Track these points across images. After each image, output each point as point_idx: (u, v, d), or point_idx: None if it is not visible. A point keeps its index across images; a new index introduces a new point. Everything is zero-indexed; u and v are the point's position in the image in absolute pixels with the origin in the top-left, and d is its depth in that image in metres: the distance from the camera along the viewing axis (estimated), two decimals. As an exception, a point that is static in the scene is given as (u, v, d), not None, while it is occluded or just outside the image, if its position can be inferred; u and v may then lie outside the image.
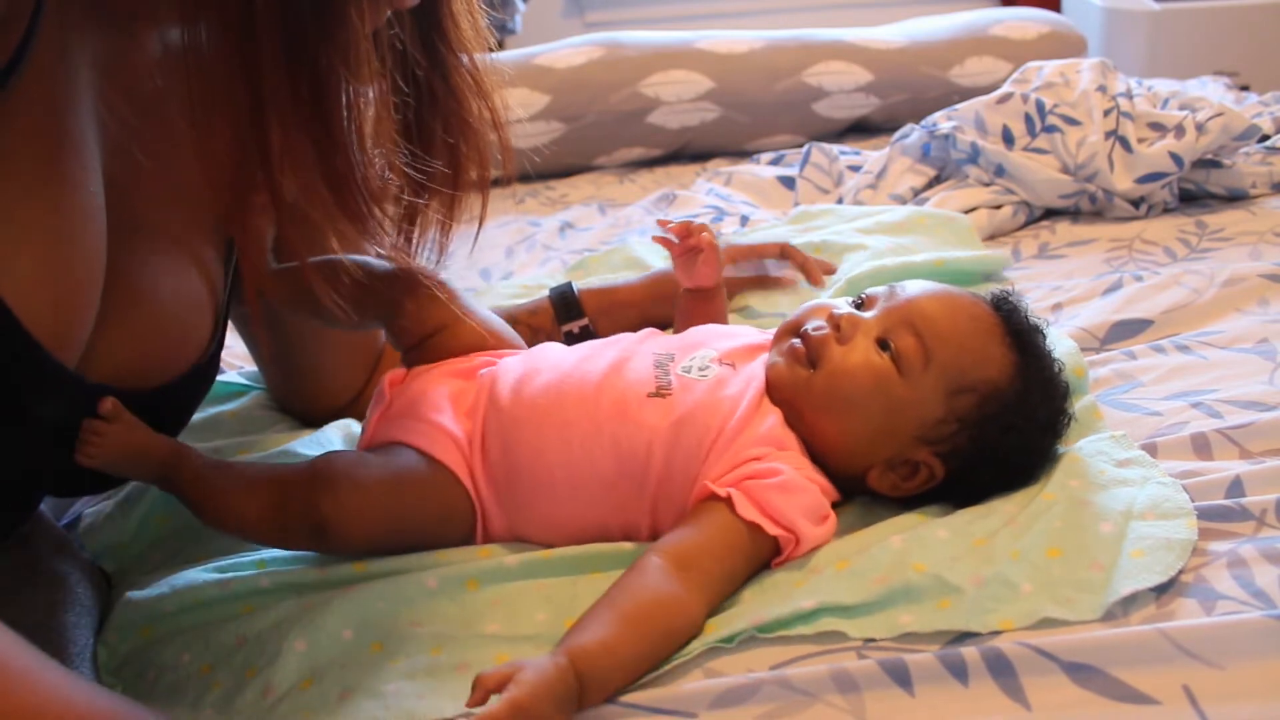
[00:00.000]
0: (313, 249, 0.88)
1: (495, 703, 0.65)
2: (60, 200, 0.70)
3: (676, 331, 1.04)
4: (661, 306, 1.11)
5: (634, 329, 1.05)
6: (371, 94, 0.71)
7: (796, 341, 0.89)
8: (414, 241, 0.83)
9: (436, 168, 0.79)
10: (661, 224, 1.04)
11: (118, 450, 0.80)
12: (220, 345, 0.91)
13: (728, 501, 0.81)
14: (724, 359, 0.91)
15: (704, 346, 0.92)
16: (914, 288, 0.92)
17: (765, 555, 0.82)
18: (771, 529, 0.80)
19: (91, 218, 0.73)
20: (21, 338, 0.69)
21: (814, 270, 1.26)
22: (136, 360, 0.82)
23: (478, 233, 0.86)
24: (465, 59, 0.81)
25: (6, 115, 0.66)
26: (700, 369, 0.89)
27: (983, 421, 0.87)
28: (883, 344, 0.88)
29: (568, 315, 1.13)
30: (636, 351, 0.92)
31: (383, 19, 0.71)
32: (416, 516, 0.86)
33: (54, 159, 0.70)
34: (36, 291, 0.69)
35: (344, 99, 0.67)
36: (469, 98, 0.82)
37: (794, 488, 0.83)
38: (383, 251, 0.82)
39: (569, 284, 1.15)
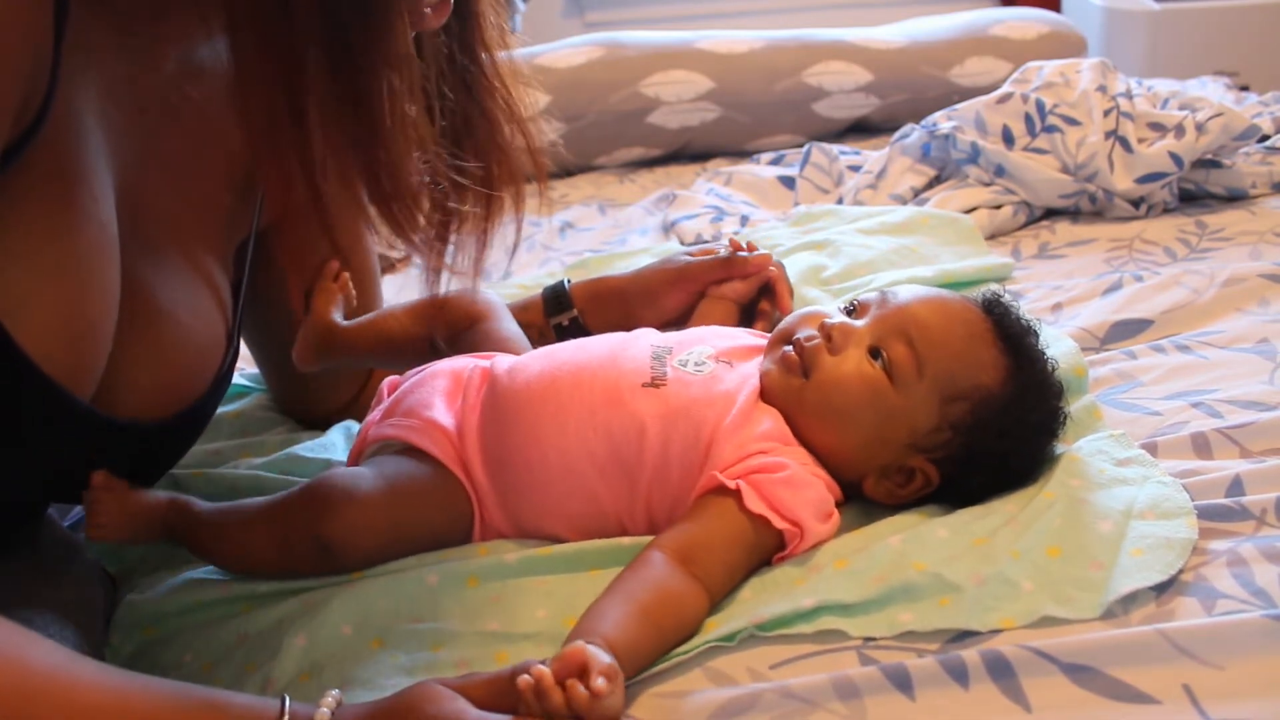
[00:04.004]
0: (311, 254, 0.89)
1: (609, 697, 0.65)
2: (74, 239, 0.71)
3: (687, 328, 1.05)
4: (649, 299, 1.12)
5: (622, 320, 1.05)
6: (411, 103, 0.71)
7: (789, 349, 0.90)
8: (449, 247, 0.83)
9: (471, 174, 0.80)
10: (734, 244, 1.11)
11: (124, 519, 0.83)
12: (235, 355, 0.92)
13: (735, 495, 0.81)
14: (721, 356, 0.91)
15: (702, 343, 0.93)
16: (905, 293, 0.92)
17: (768, 549, 0.82)
18: (778, 523, 0.81)
19: (104, 251, 0.74)
20: (39, 380, 0.70)
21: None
22: (160, 384, 0.83)
23: (515, 246, 0.87)
24: (499, 84, 0.81)
25: (26, 167, 0.67)
26: (697, 364, 0.90)
27: (977, 427, 0.87)
28: (875, 353, 0.88)
29: (558, 308, 1.13)
30: (634, 344, 0.92)
31: (417, 29, 0.72)
32: (418, 522, 0.86)
33: (67, 198, 0.71)
34: (54, 333, 0.71)
35: (387, 106, 0.67)
36: (500, 119, 0.82)
37: (800, 483, 0.83)
38: (418, 256, 0.82)
39: (563, 280, 1.15)
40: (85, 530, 0.83)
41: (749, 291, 1.10)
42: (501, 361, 0.93)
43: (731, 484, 0.81)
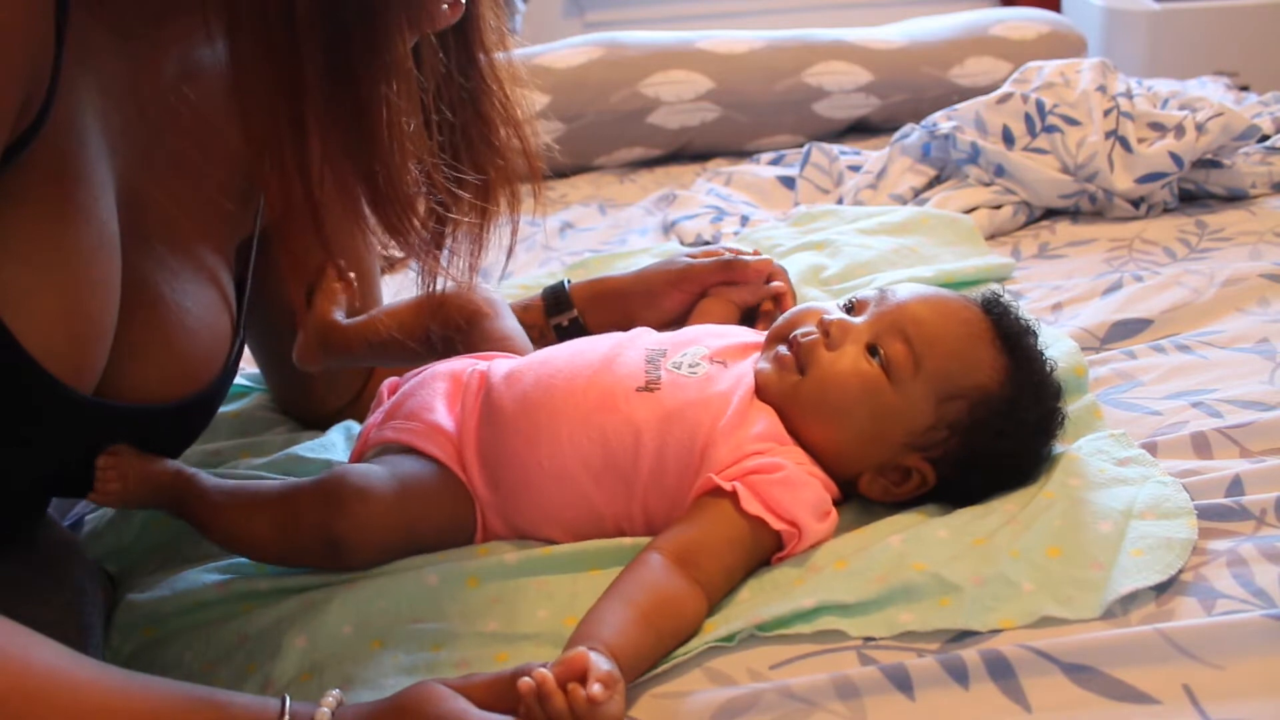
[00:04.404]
0: (311, 255, 0.89)
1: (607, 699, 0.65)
2: (75, 238, 0.71)
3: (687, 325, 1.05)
4: (649, 300, 1.12)
5: (622, 320, 1.05)
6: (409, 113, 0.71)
7: (784, 348, 0.89)
8: (445, 252, 0.84)
9: (468, 180, 0.80)
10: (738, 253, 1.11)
11: (124, 484, 0.81)
12: (240, 350, 0.92)
13: (732, 496, 0.81)
14: (715, 356, 0.91)
15: (696, 344, 0.93)
16: (904, 291, 0.92)
17: (766, 550, 0.82)
18: (775, 523, 0.81)
19: (104, 248, 0.74)
20: (40, 377, 0.70)
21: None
22: (164, 375, 0.83)
23: (511, 248, 0.87)
24: (498, 91, 0.82)
25: (26, 167, 0.67)
26: (691, 365, 0.90)
27: (973, 427, 0.86)
28: (872, 350, 0.88)
29: (557, 309, 1.13)
30: (629, 347, 0.92)
31: (422, 33, 0.72)
32: (426, 525, 0.86)
33: (68, 197, 0.71)
34: (54, 330, 0.71)
35: (385, 116, 0.68)
36: (497, 121, 0.82)
37: (797, 483, 0.83)
38: (414, 259, 0.83)
39: (563, 281, 1.16)
40: (89, 495, 0.81)
41: (753, 299, 1.10)
42: (498, 367, 0.93)
43: (727, 486, 0.81)
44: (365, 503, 0.82)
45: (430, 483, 0.86)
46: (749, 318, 1.11)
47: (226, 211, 0.89)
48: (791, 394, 0.87)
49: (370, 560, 0.84)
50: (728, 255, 1.11)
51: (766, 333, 0.94)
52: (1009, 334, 0.90)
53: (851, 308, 0.92)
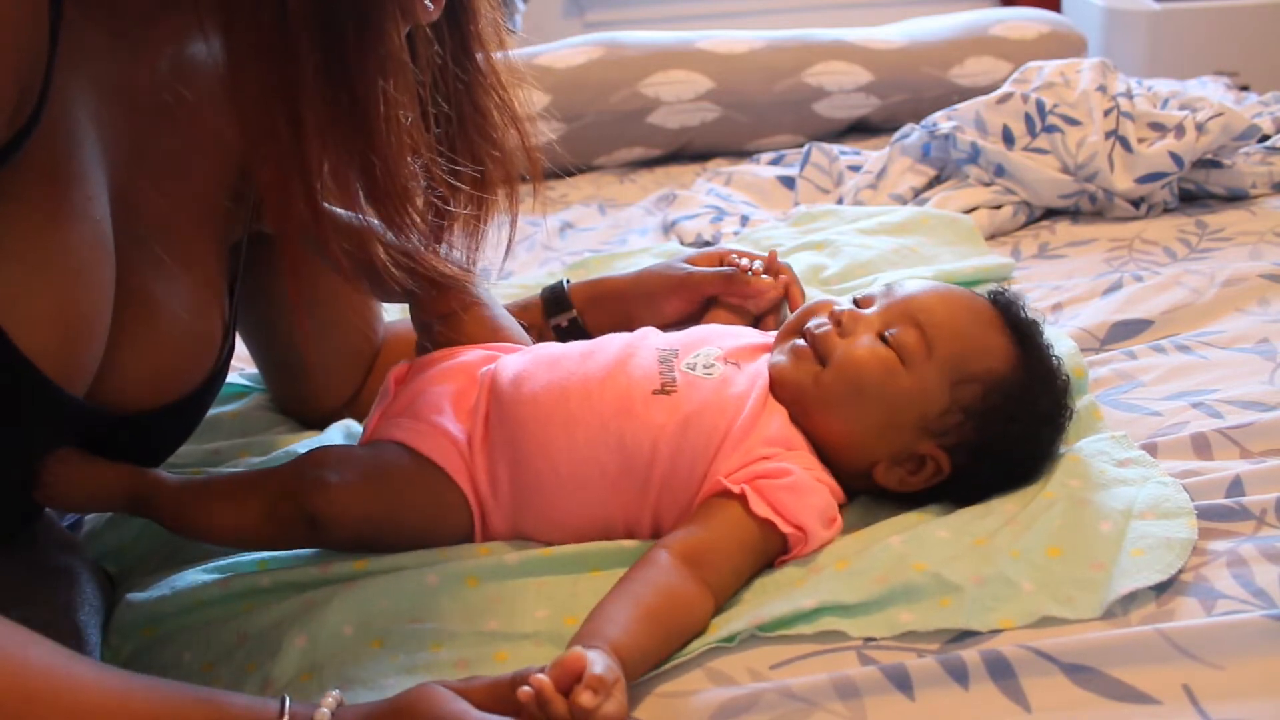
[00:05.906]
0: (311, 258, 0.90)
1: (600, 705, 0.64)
2: (69, 238, 0.71)
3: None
4: (649, 303, 1.12)
5: (621, 321, 1.05)
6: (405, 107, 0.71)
7: (800, 341, 0.90)
8: (444, 245, 0.84)
9: (465, 173, 0.80)
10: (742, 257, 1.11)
11: (72, 485, 0.79)
12: (231, 352, 0.92)
13: (741, 499, 0.81)
14: (729, 357, 0.91)
15: (708, 344, 0.93)
16: (911, 285, 0.93)
17: (773, 553, 0.83)
18: (784, 526, 0.81)
19: (98, 248, 0.74)
20: (34, 377, 0.70)
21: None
22: (154, 377, 0.83)
23: (510, 245, 0.87)
24: (495, 84, 0.82)
25: (20, 166, 0.67)
26: (705, 366, 0.89)
27: (987, 412, 0.87)
28: (884, 338, 0.88)
29: (556, 309, 1.13)
30: (640, 348, 0.92)
31: (410, 24, 0.72)
32: (408, 508, 0.86)
33: (62, 197, 0.71)
34: (48, 330, 0.70)
35: (382, 111, 0.68)
36: (495, 115, 0.83)
37: (804, 488, 0.83)
38: (414, 252, 0.83)
39: (562, 281, 1.15)
40: (33, 492, 0.79)
41: (765, 307, 1.10)
42: (505, 369, 0.91)
43: (736, 489, 0.81)
44: (342, 476, 0.82)
45: (418, 473, 0.86)
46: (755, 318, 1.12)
47: (221, 210, 0.89)
48: (811, 385, 0.87)
49: (348, 537, 0.84)
50: (731, 267, 1.10)
51: (776, 332, 0.94)
52: (1017, 323, 0.91)
53: (859, 303, 0.93)
